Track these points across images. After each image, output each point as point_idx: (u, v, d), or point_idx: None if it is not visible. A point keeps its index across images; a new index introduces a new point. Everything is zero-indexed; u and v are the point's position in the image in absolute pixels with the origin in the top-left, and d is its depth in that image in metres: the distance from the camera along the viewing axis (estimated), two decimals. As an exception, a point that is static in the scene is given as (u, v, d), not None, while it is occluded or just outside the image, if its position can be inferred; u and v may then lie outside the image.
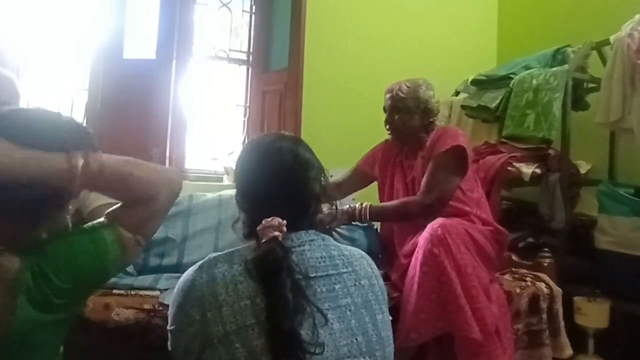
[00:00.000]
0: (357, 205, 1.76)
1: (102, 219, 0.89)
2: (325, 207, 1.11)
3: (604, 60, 2.46)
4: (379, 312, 0.94)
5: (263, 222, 0.90)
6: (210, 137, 3.09)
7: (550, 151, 2.42)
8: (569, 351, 1.86)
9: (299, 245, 0.92)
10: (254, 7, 3.17)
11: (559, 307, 1.90)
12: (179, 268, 1.57)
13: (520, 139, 2.46)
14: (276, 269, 0.85)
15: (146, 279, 1.53)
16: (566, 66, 2.40)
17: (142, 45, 2.75)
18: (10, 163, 0.77)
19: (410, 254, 1.63)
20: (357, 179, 2.06)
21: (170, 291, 1.29)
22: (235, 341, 0.82)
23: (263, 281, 0.85)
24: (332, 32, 2.95)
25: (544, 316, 1.85)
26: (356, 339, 0.87)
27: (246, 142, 1.00)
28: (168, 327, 0.92)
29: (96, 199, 1.45)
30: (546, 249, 2.15)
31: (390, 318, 0.98)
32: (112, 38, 2.64)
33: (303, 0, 2.80)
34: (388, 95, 1.88)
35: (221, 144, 3.05)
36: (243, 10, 3.16)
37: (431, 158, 1.75)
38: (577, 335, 1.98)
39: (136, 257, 0.97)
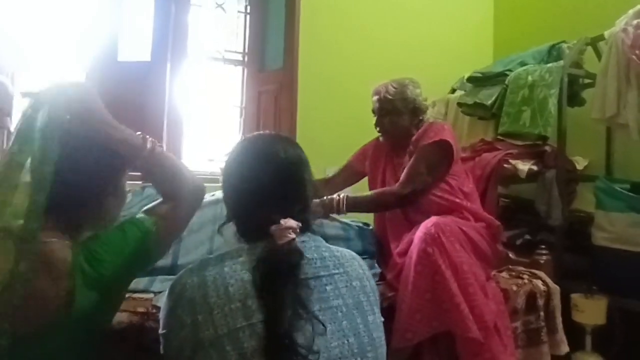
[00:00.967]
0: (334, 197, 1.74)
1: (140, 213, 1.00)
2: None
3: (599, 56, 2.44)
4: (371, 313, 0.94)
5: (281, 221, 0.89)
6: (207, 138, 3.08)
7: (547, 148, 2.40)
8: (565, 348, 1.86)
9: None
10: (248, 7, 3.16)
11: (557, 304, 1.89)
12: (173, 270, 1.55)
13: (517, 136, 2.45)
14: (290, 271, 0.86)
15: (140, 282, 1.51)
16: (561, 62, 2.38)
17: (136, 47, 2.75)
18: (114, 134, 0.93)
19: (404, 253, 1.63)
20: (348, 175, 2.06)
21: (164, 294, 1.28)
22: (226, 344, 0.81)
23: (268, 282, 0.85)
24: (327, 31, 2.95)
25: (542, 314, 1.84)
26: (348, 340, 0.87)
27: (237, 141, 1.00)
28: (159, 331, 0.92)
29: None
30: (543, 246, 2.14)
31: (382, 319, 0.98)
32: (106, 41, 2.64)
33: (297, 0, 2.80)
34: (375, 98, 1.86)
35: (217, 144, 3.05)
36: (238, 11, 3.16)
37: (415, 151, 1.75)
38: (575, 332, 1.97)
39: (167, 250, 1.08)
